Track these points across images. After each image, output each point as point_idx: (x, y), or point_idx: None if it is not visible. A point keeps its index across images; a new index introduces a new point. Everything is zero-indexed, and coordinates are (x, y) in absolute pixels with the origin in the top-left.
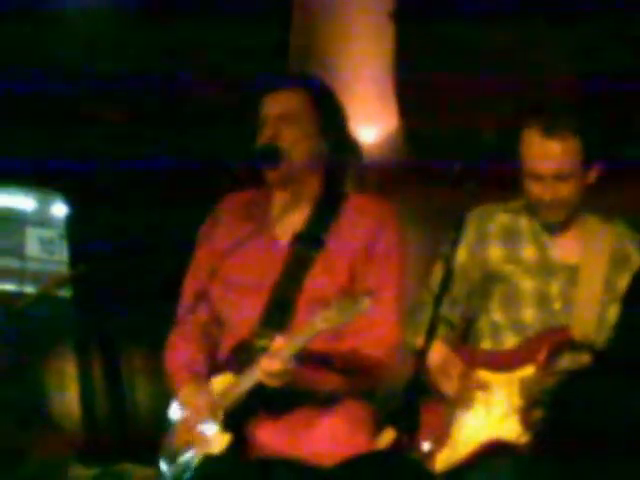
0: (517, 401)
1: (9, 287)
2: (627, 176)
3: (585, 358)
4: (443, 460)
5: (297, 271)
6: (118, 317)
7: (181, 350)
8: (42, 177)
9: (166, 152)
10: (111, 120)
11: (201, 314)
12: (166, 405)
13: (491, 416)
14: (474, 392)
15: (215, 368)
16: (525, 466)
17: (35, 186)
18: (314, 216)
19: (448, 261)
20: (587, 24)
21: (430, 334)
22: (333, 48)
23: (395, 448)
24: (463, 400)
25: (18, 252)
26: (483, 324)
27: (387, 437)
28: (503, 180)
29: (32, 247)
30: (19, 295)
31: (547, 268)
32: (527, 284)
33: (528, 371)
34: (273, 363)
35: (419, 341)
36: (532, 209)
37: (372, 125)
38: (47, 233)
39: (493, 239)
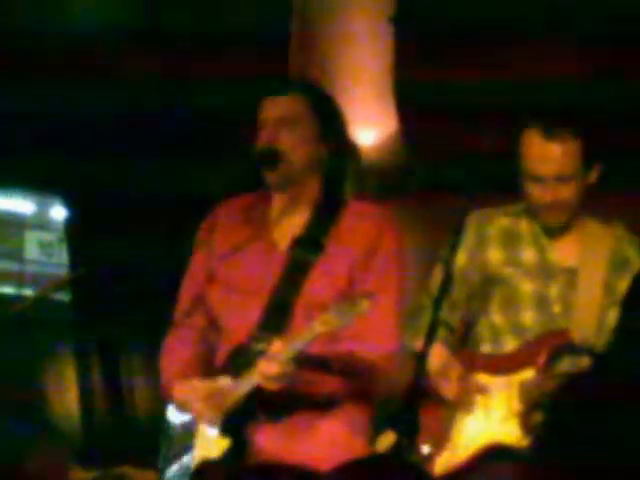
0: (517, 404)
1: (8, 290)
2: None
3: (584, 361)
4: (442, 463)
5: (296, 276)
6: (117, 320)
7: (177, 354)
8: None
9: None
10: None
11: (198, 319)
12: (165, 408)
13: (491, 419)
14: (474, 395)
15: (212, 373)
16: (525, 469)
17: (34, 189)
18: (313, 221)
19: (447, 264)
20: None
21: (429, 337)
22: (332, 51)
23: (394, 451)
24: (463, 403)
25: (17, 255)
26: (483, 327)
27: (386, 440)
28: (502, 184)
29: (31, 250)
30: (18, 298)
31: (547, 271)
32: (527, 287)
33: (528, 374)
34: (271, 366)
35: (418, 344)
36: (532, 212)
37: (371, 128)
38: (46, 236)
39: (493, 242)
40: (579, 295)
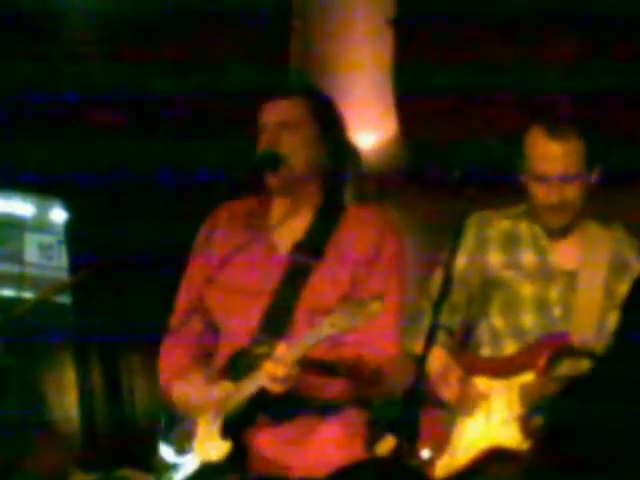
0: (517, 408)
1: (8, 293)
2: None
3: (584, 364)
4: (443, 467)
5: (296, 280)
6: (117, 323)
7: (174, 357)
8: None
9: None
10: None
11: (195, 323)
12: (163, 411)
13: (491, 423)
14: (474, 399)
15: (211, 377)
16: (525, 473)
17: (34, 192)
18: (314, 225)
19: (447, 268)
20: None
21: (429, 341)
22: (332, 53)
23: (395, 455)
24: (463, 407)
25: (17, 258)
26: (483, 330)
27: (387, 445)
28: (503, 186)
29: (31, 253)
30: (18, 301)
31: (547, 274)
32: (527, 290)
33: (528, 377)
34: (278, 368)
35: (418, 348)
36: (535, 214)
37: (371, 131)
38: (46, 239)
39: (493, 245)
40: (579, 298)
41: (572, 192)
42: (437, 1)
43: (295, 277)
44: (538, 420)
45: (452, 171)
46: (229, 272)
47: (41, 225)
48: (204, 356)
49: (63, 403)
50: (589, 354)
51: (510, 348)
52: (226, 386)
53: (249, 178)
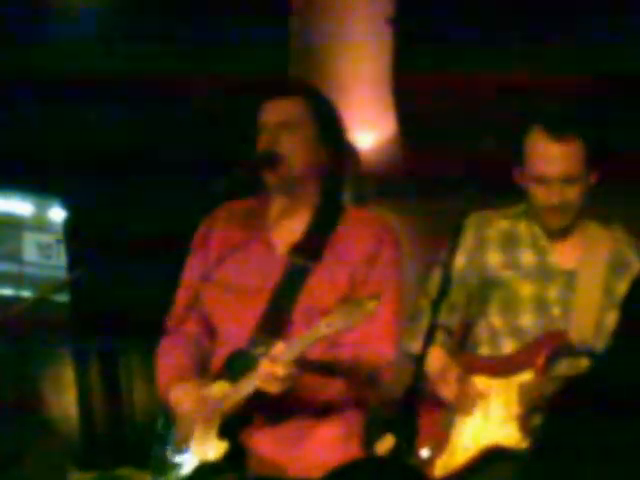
0: (516, 407)
1: (7, 292)
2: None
3: (583, 363)
4: (442, 466)
5: (294, 281)
6: (116, 322)
7: (172, 359)
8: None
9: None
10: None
11: (192, 324)
12: (163, 411)
13: (490, 422)
14: (473, 398)
15: (208, 378)
16: (524, 472)
17: (33, 191)
18: (312, 226)
19: (446, 267)
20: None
21: (428, 340)
22: (331, 53)
23: (394, 455)
24: (462, 406)
25: (16, 257)
26: (481, 330)
27: (386, 444)
28: (502, 186)
29: (30, 252)
30: (17, 300)
31: (546, 273)
32: (526, 289)
33: (527, 376)
34: (275, 367)
35: (417, 347)
36: (535, 214)
37: (370, 131)
38: (45, 238)
39: (492, 245)
40: (578, 297)
41: (572, 193)
42: (437, 0)
43: (293, 278)
44: (537, 419)
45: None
46: (226, 272)
47: (40, 224)
48: (201, 356)
49: (62, 402)
50: (588, 353)
51: (509, 347)
52: (223, 386)
53: (247, 178)
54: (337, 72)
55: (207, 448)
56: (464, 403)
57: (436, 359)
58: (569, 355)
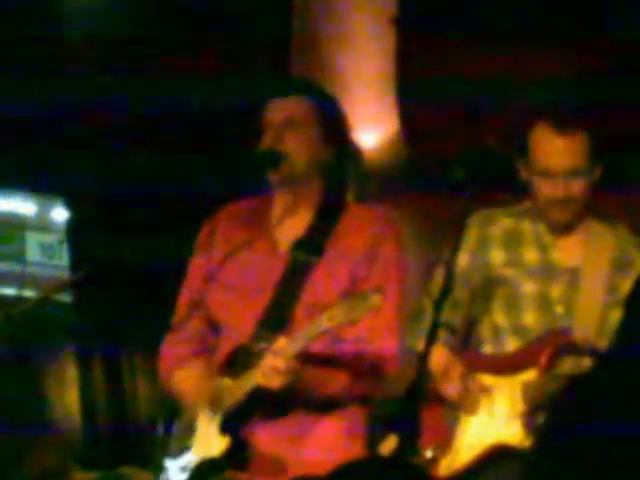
0: (520, 405)
1: (9, 291)
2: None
3: (587, 362)
4: (447, 466)
5: (296, 277)
6: (119, 321)
7: (175, 349)
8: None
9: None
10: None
11: (196, 322)
12: (166, 409)
13: (494, 420)
14: (476, 396)
15: (211, 368)
16: (527, 470)
17: (36, 191)
18: (315, 223)
19: (448, 265)
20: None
21: (430, 339)
22: (333, 52)
23: (397, 454)
24: (466, 404)
25: (19, 257)
26: (485, 328)
27: (390, 443)
28: (505, 185)
29: (32, 252)
30: (19, 299)
31: (549, 271)
32: (529, 288)
33: (530, 375)
34: (277, 360)
35: (421, 346)
36: (539, 210)
37: (372, 130)
38: (47, 238)
39: (495, 243)
40: (581, 295)
41: (577, 187)
42: (439, 0)
43: (295, 274)
44: (540, 417)
45: (454, 170)
46: (230, 270)
47: (43, 224)
48: (205, 353)
49: (64, 401)
50: (591, 351)
51: (512, 346)
52: (225, 382)
53: (251, 178)
54: (340, 71)
55: (208, 444)
56: (468, 402)
57: (439, 357)
58: (572, 353)
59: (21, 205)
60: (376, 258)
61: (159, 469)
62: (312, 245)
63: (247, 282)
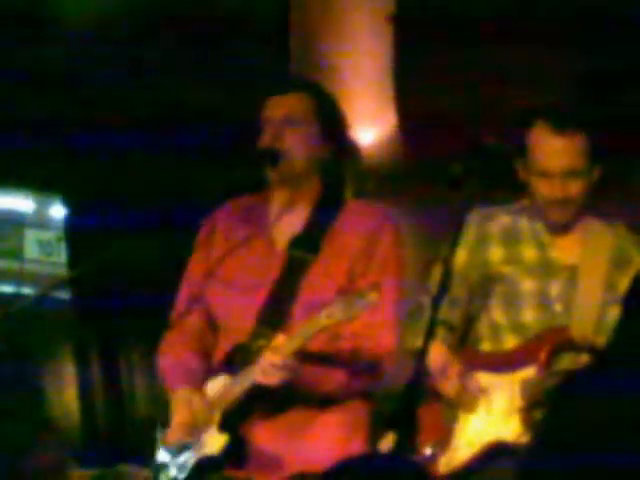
0: (518, 402)
1: (8, 288)
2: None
3: (585, 359)
4: (446, 463)
5: (294, 274)
6: (117, 319)
7: (175, 351)
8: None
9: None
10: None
11: (195, 319)
12: (165, 407)
13: (492, 418)
14: (475, 394)
15: (210, 372)
16: (526, 467)
17: (34, 188)
18: (312, 220)
19: (446, 263)
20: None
21: (428, 336)
22: (331, 49)
23: (394, 451)
24: (464, 402)
25: (17, 254)
26: (483, 325)
27: (389, 442)
28: (503, 183)
29: (31, 249)
30: (18, 297)
31: (547, 269)
32: (527, 285)
33: (529, 372)
34: (275, 357)
35: (418, 344)
36: (538, 210)
37: (370, 126)
38: (46, 235)
39: (493, 240)
40: (580, 293)
41: (575, 188)
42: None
43: (293, 271)
44: (539, 414)
45: (451, 167)
46: (228, 268)
47: (41, 221)
48: (205, 351)
49: (63, 399)
50: (589, 349)
51: (510, 343)
52: (224, 380)
53: (249, 176)
54: (337, 68)
55: (207, 442)
56: (466, 399)
57: (437, 355)
58: (571, 351)
59: (19, 202)
60: (373, 254)
61: (158, 467)
62: (309, 242)
63: (245, 280)
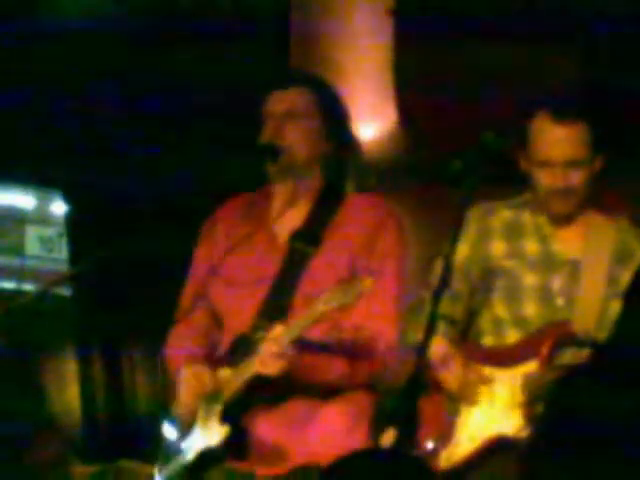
0: (520, 397)
1: (9, 285)
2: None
3: (587, 353)
4: (446, 458)
5: (295, 267)
6: (119, 315)
7: (182, 343)
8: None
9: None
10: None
11: (201, 316)
12: (166, 403)
13: (494, 412)
14: (477, 387)
15: (213, 365)
16: (526, 461)
17: (35, 184)
18: (313, 213)
19: (447, 258)
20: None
21: (429, 330)
22: (332, 45)
23: (395, 445)
24: (466, 396)
25: (18, 250)
26: (485, 320)
27: (390, 436)
28: (503, 179)
29: (32, 245)
30: (19, 293)
31: (549, 263)
32: (529, 279)
33: (531, 366)
34: (272, 347)
35: (420, 338)
36: (539, 202)
37: (371, 122)
38: (47, 231)
39: (495, 234)
40: (582, 287)
41: (577, 178)
42: None
43: (293, 264)
44: (540, 408)
45: (451, 164)
46: (231, 264)
47: (42, 217)
48: (209, 346)
49: (64, 395)
50: (591, 343)
51: (512, 337)
52: (225, 372)
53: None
54: (338, 63)
55: (209, 434)
56: (468, 393)
57: (439, 348)
58: (573, 345)
59: (20, 198)
60: (375, 247)
61: (161, 461)
62: (311, 235)
63: (247, 275)
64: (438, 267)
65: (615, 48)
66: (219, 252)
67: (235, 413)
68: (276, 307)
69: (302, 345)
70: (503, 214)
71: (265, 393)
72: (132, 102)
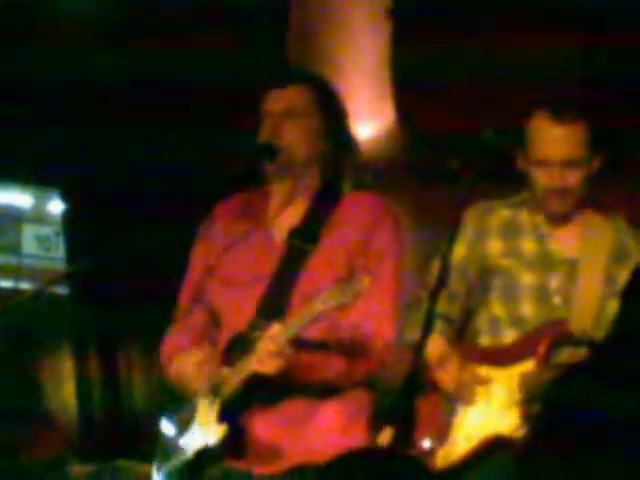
0: (517, 396)
1: (6, 284)
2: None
3: (584, 353)
4: (443, 457)
5: (293, 265)
6: (115, 314)
7: (178, 340)
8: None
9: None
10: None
11: (199, 314)
12: (162, 402)
13: (491, 412)
14: (474, 387)
15: (212, 355)
16: (523, 460)
17: (32, 183)
18: (310, 211)
19: (444, 257)
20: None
21: (426, 329)
22: (330, 43)
23: (393, 446)
24: (463, 395)
25: (15, 249)
26: (482, 319)
27: (387, 436)
28: (502, 177)
29: (29, 244)
30: (16, 292)
31: (547, 262)
32: (526, 278)
33: (528, 366)
34: (269, 345)
35: (417, 336)
36: (537, 201)
37: (368, 121)
38: (44, 230)
39: (492, 233)
40: (579, 287)
41: (574, 177)
42: None
43: (291, 262)
44: (537, 407)
45: (449, 162)
46: (228, 263)
47: (39, 216)
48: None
49: (61, 394)
50: (589, 342)
51: (510, 337)
52: (223, 371)
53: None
54: (336, 62)
55: (206, 433)
56: (465, 392)
57: (436, 347)
58: (570, 344)
59: (18, 197)
60: (372, 245)
61: (158, 459)
62: (308, 233)
63: (245, 274)
64: (435, 266)
65: (615, 48)
66: (217, 251)
67: (233, 412)
68: (274, 306)
69: (300, 344)
70: (500, 213)
71: (263, 392)
72: (132, 101)
